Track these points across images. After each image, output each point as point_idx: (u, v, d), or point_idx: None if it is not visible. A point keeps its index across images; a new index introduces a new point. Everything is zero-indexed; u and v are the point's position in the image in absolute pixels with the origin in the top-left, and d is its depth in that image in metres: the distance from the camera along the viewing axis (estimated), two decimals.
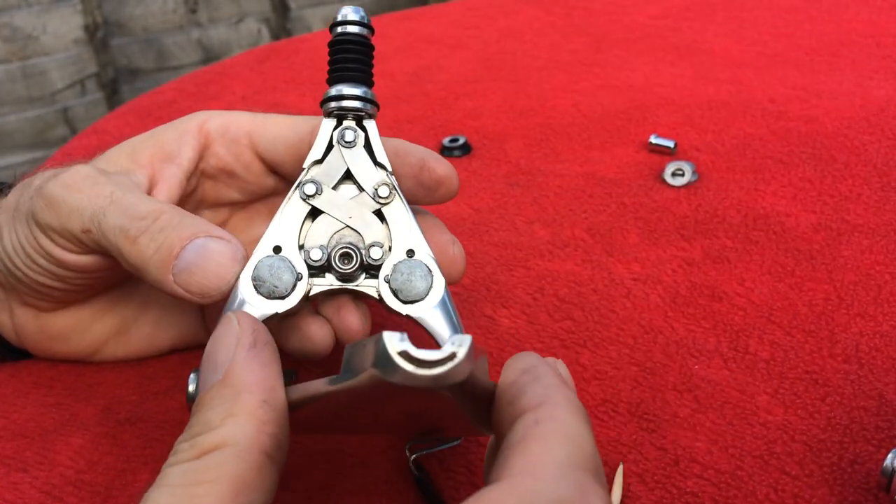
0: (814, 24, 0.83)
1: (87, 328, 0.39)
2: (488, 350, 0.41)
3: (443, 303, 0.32)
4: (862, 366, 0.38)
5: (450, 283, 0.34)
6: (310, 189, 0.33)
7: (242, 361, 0.25)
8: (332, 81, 0.34)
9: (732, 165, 0.56)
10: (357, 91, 0.33)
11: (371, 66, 0.34)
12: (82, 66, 2.10)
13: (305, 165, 0.33)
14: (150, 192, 0.35)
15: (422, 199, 0.35)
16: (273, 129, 0.37)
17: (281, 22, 2.34)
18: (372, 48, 0.35)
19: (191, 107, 0.76)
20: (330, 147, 0.34)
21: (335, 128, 0.34)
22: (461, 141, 0.62)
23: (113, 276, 0.36)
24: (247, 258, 0.31)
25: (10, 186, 0.39)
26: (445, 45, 0.87)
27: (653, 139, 0.59)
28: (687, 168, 0.55)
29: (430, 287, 0.32)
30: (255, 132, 0.37)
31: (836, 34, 0.80)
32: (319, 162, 0.33)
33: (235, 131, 0.37)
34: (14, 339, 0.40)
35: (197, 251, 0.30)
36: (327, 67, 0.34)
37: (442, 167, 0.35)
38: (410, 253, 0.33)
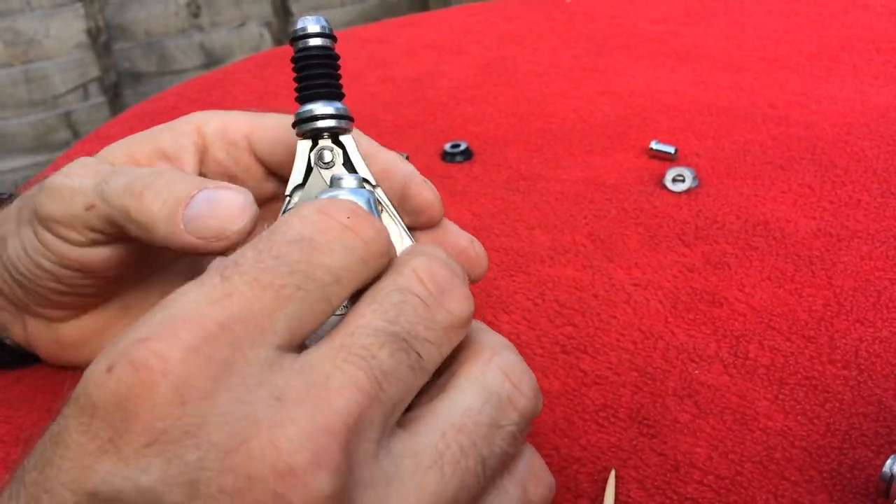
0: (814, 29, 0.84)
1: (100, 336, 0.39)
2: None
3: None
4: (861, 371, 0.38)
5: (475, 282, 0.33)
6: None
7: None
8: (301, 100, 0.32)
9: (733, 171, 0.57)
10: (329, 109, 0.32)
11: (339, 77, 0.33)
12: (85, 70, 2.11)
13: (287, 192, 0.32)
14: None
15: (408, 223, 0.34)
16: (271, 133, 0.36)
17: (283, 26, 2.34)
18: (337, 58, 0.33)
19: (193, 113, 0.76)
20: (310, 169, 0.32)
21: (311, 149, 0.32)
22: (462, 146, 0.62)
23: (118, 275, 0.36)
24: (255, 206, 0.31)
25: (11, 196, 0.39)
26: (446, 50, 0.87)
27: (653, 145, 0.59)
28: (687, 174, 0.55)
29: None
30: (254, 135, 0.36)
31: (837, 40, 0.80)
32: (301, 186, 0.32)
33: (234, 134, 0.36)
34: (25, 345, 0.40)
35: (207, 199, 0.30)
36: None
37: (425, 193, 0.33)
38: None
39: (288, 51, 0.92)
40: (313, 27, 0.32)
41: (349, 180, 0.30)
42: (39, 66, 2.05)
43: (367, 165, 0.33)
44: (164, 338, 0.20)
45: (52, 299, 0.36)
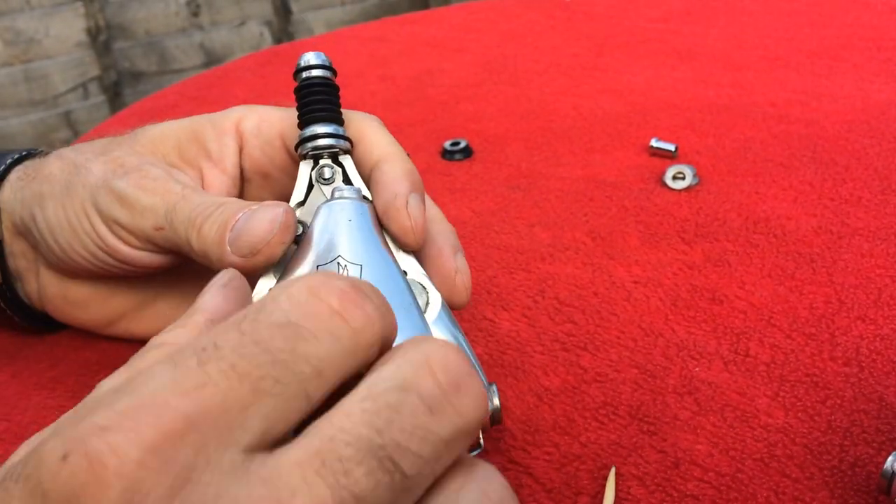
0: (814, 27, 0.84)
1: (107, 300, 0.40)
2: (488, 353, 0.41)
3: (440, 318, 0.32)
4: (862, 369, 0.38)
5: (455, 308, 0.34)
6: (297, 229, 0.33)
7: (208, 293, 0.26)
8: (303, 125, 0.34)
9: (733, 169, 0.56)
10: (329, 129, 0.34)
11: (339, 105, 0.35)
12: (85, 70, 2.11)
13: None
14: None
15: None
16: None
17: (283, 25, 2.34)
18: (337, 89, 0.35)
19: (192, 111, 0.76)
20: (311, 187, 0.34)
21: (313, 168, 0.34)
22: (462, 144, 0.62)
23: (156, 272, 0.37)
24: (292, 217, 0.32)
25: (35, 154, 0.40)
26: (447, 48, 0.87)
27: (654, 143, 0.59)
28: (688, 171, 0.55)
29: (427, 304, 0.32)
30: (287, 133, 0.37)
31: (837, 38, 0.80)
32: (302, 203, 0.34)
33: (268, 132, 0.37)
34: (37, 303, 0.41)
35: (245, 219, 0.32)
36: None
37: (398, 222, 0.32)
38: (403, 274, 0.33)
39: (288, 48, 0.92)
40: (315, 60, 0.35)
41: (349, 192, 0.32)
42: (39, 66, 2.05)
43: (372, 173, 0.34)
44: (125, 430, 0.18)
45: (77, 267, 0.37)
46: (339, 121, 0.35)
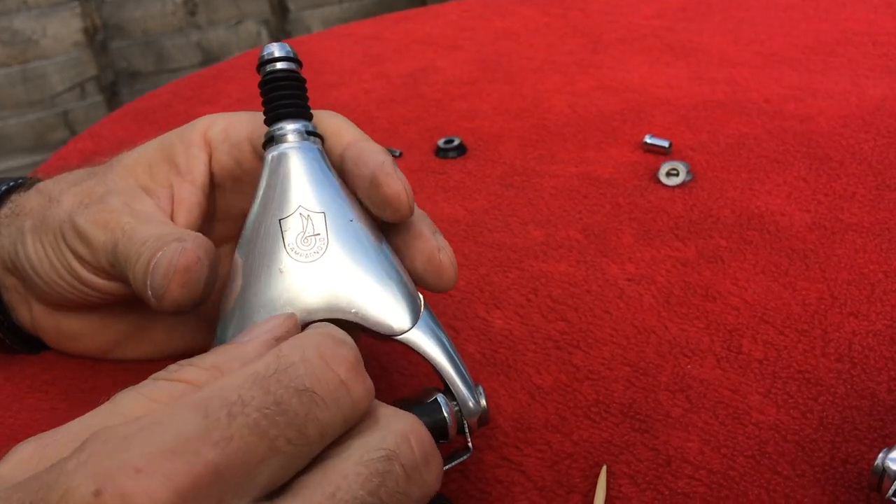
0: (810, 23, 0.83)
1: (101, 329, 0.40)
2: (481, 351, 0.41)
3: (423, 320, 0.31)
4: (855, 365, 0.38)
5: (441, 292, 0.33)
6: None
7: (256, 344, 0.28)
8: (269, 121, 0.33)
9: (727, 165, 0.56)
10: (297, 126, 0.32)
11: (306, 99, 0.33)
12: (82, 69, 2.10)
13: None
14: (171, 215, 0.36)
15: (375, 214, 0.33)
16: None
17: (280, 23, 2.34)
18: (304, 81, 0.34)
19: (187, 110, 0.76)
20: None
21: None
22: (456, 142, 0.62)
23: (131, 299, 0.37)
24: (194, 254, 0.31)
25: (28, 180, 0.41)
26: (441, 46, 0.87)
27: (648, 139, 0.59)
28: (682, 168, 0.55)
29: None
30: (255, 135, 0.36)
31: (832, 33, 0.80)
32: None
33: (236, 136, 0.37)
34: (32, 331, 0.41)
35: (157, 259, 0.31)
36: (274, 94, 0.33)
37: (393, 186, 0.31)
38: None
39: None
40: (279, 52, 0.33)
41: (293, 135, 0.32)
42: (36, 66, 2.05)
43: (346, 153, 0.33)
44: (158, 475, 0.20)
45: (61, 299, 0.37)
46: (307, 115, 0.33)
